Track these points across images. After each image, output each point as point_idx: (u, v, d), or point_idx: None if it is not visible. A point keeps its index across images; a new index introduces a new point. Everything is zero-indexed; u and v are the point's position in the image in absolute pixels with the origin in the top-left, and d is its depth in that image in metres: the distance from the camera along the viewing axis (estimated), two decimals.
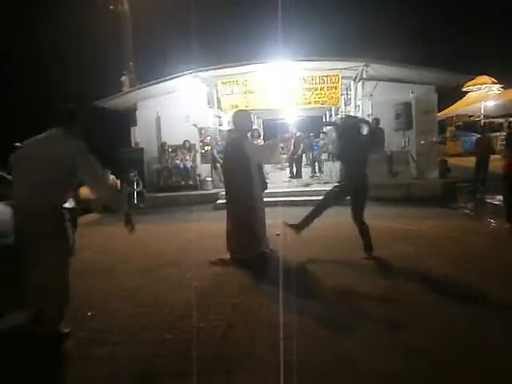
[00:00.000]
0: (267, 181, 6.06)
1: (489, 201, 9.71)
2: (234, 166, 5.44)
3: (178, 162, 12.09)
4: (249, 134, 6.27)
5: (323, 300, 4.09)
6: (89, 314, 3.94)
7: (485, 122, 18.99)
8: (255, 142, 11.13)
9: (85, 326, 3.67)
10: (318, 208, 5.63)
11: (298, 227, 5.65)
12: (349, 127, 5.63)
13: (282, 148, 19.01)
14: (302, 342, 3.10)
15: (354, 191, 5.37)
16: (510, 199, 6.61)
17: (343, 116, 11.00)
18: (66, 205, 3.59)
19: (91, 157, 3.36)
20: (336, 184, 5.82)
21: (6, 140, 12.15)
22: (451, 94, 17.16)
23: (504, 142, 16.70)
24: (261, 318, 3.68)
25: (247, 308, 3.91)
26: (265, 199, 5.87)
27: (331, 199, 5.61)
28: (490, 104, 18.34)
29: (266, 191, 6.15)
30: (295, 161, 14.25)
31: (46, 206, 3.24)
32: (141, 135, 12.88)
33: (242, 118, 5.66)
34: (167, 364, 2.98)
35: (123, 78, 14.73)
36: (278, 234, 6.31)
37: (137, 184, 11.44)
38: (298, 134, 14.54)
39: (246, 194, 5.34)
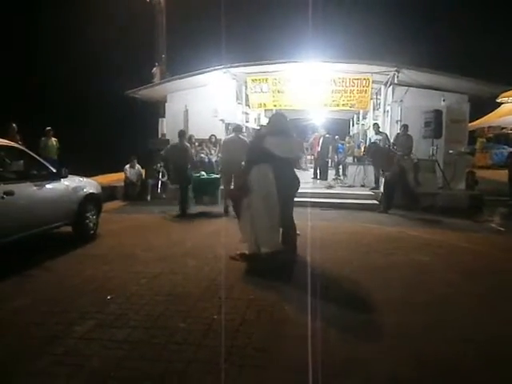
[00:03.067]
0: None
1: None
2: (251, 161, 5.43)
3: (203, 155, 12.17)
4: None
5: (331, 300, 4.09)
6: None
7: None
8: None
9: None
10: None
11: None
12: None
13: (307, 149, 19.02)
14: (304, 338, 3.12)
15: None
16: None
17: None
18: None
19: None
20: None
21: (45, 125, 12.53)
22: (484, 105, 16.76)
23: None
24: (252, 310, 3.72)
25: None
26: None
27: None
28: None
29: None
30: (320, 162, 14.17)
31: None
32: (168, 127, 13.03)
33: (276, 119, 5.69)
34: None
35: (155, 69, 14.90)
36: (297, 234, 6.31)
37: (162, 175, 11.61)
38: (326, 135, 14.45)
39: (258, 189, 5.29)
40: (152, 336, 3.29)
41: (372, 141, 11.53)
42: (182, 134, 9.43)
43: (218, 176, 9.74)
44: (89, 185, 6.84)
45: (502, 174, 12.56)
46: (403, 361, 2.98)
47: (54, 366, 2.86)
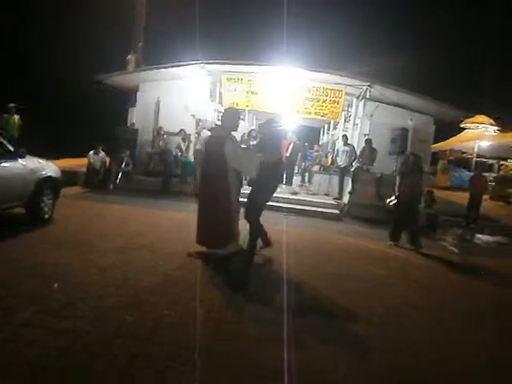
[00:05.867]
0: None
1: (470, 238, 9.86)
2: (208, 160, 5.36)
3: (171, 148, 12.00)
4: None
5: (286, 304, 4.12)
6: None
7: (476, 161, 19.36)
8: (251, 142, 11.17)
9: None
10: None
11: None
12: None
13: None
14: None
15: None
16: None
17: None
18: None
19: None
20: None
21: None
22: (448, 128, 17.43)
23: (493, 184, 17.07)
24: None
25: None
26: None
27: None
28: (485, 144, 18.69)
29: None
30: (287, 167, 14.26)
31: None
32: (138, 116, 12.80)
33: (229, 115, 5.51)
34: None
35: (129, 56, 14.59)
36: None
37: (126, 164, 11.37)
38: (297, 141, 14.59)
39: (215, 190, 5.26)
40: (97, 328, 3.21)
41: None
42: (179, 131, 11.65)
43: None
44: (48, 167, 6.59)
45: (458, 196, 13.08)
46: (358, 367, 3.04)
47: None
